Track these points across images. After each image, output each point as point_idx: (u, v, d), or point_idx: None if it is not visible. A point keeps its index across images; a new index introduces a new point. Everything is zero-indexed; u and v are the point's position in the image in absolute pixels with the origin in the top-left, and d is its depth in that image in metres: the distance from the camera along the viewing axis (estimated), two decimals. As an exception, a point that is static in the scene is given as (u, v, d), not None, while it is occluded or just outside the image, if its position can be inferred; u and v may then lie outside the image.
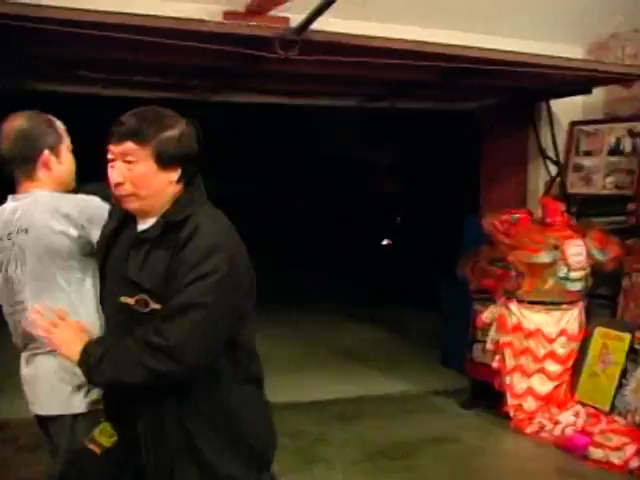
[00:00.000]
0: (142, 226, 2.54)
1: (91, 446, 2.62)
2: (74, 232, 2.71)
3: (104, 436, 2.61)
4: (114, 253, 2.60)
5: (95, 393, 2.75)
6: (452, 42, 5.36)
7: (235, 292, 2.44)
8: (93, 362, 2.39)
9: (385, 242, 14.30)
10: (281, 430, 5.73)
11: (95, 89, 6.75)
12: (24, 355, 2.88)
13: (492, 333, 6.18)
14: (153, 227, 2.49)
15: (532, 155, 7.42)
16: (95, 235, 2.71)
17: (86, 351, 2.42)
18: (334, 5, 4.30)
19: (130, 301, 2.42)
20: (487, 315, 6.28)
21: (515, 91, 7.08)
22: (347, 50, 4.98)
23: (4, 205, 2.87)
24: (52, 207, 2.73)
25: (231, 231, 2.51)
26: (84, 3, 4.54)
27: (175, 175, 2.49)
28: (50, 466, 2.89)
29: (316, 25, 4.74)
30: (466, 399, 6.65)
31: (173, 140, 2.45)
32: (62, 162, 2.91)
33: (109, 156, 2.48)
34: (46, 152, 2.83)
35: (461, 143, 9.96)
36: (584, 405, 6.00)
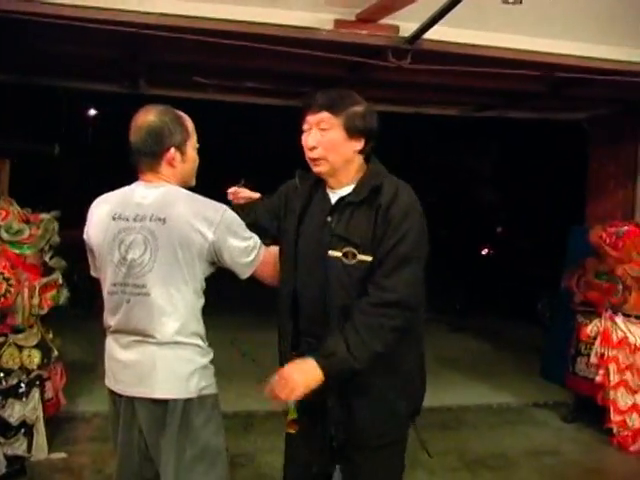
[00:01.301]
0: (339, 193, 2.90)
1: (289, 430, 3.03)
2: (210, 235, 2.80)
3: (291, 411, 2.96)
4: (308, 222, 2.96)
5: (205, 379, 2.88)
6: (562, 52, 5.32)
7: (426, 245, 2.84)
8: (343, 357, 2.65)
9: (485, 252, 14.12)
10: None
11: (208, 95, 6.95)
12: (125, 340, 2.90)
13: (596, 347, 6.07)
14: (355, 192, 2.85)
15: (642, 167, 7.27)
16: (226, 244, 2.84)
17: (321, 363, 2.66)
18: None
19: (338, 254, 2.78)
20: (592, 328, 6.17)
21: (625, 101, 6.96)
22: (458, 59, 5.01)
23: (131, 187, 2.96)
24: (194, 206, 2.84)
25: (413, 194, 2.86)
26: (200, 11, 4.69)
27: (359, 145, 2.86)
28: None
29: (427, 34, 4.79)
30: (567, 413, 6.54)
31: (360, 114, 2.83)
32: (186, 160, 2.96)
33: (305, 126, 2.87)
34: (172, 150, 2.89)
35: (566, 153, 9.81)
36: (691, 425, 5.84)
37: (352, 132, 2.83)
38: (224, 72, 6.15)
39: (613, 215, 7.20)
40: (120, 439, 2.95)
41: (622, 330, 5.96)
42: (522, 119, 8.03)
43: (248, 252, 2.91)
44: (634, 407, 5.91)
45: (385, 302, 2.67)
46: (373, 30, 5.09)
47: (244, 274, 2.95)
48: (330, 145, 2.83)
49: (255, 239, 2.96)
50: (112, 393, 2.96)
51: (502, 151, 14.20)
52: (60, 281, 5.25)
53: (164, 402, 2.81)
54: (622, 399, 5.93)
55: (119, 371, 2.92)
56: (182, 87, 6.89)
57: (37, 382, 4.99)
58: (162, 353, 2.83)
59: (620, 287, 6.01)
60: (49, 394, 5.19)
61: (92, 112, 22.25)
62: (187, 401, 2.82)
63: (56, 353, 5.26)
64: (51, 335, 5.30)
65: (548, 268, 7.86)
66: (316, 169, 2.90)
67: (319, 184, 3.00)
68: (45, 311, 5.12)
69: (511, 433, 6.12)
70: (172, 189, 2.89)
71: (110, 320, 2.92)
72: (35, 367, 4.96)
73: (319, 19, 5.17)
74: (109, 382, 2.97)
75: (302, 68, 5.64)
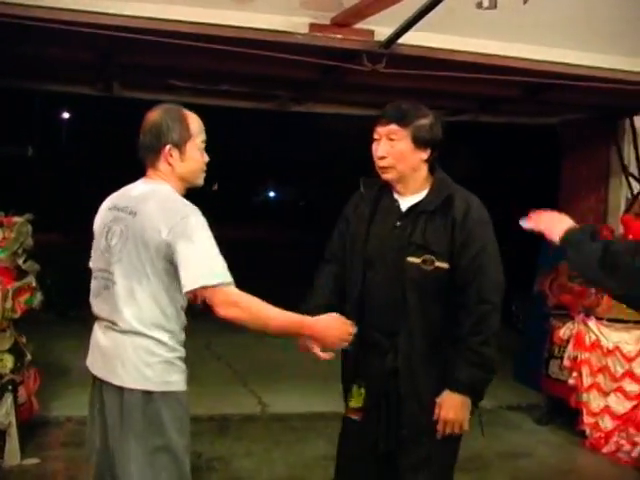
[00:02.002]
0: (409, 200, 3.19)
1: (351, 416, 3.32)
2: (164, 235, 2.74)
3: (355, 399, 3.27)
4: (378, 225, 3.23)
5: (171, 375, 2.84)
6: (536, 57, 5.37)
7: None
8: (483, 379, 3.15)
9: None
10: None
11: (182, 97, 6.92)
12: (100, 324, 2.96)
13: (569, 350, 6.13)
14: (428, 201, 3.14)
15: (614, 172, 7.35)
16: (179, 248, 2.73)
17: (467, 394, 3.11)
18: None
19: (417, 260, 3.06)
20: (565, 332, 6.23)
21: (597, 107, 7.03)
22: (432, 64, 5.04)
23: (135, 182, 3.01)
24: (163, 204, 2.83)
25: (482, 204, 3.20)
26: (174, 13, 4.68)
27: (425, 155, 3.14)
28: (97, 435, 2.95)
29: (402, 39, 4.81)
30: (541, 415, 6.60)
31: (426, 126, 3.11)
32: (185, 159, 2.94)
33: (375, 136, 3.15)
34: (167, 147, 2.90)
35: (540, 158, 9.89)
36: (663, 427, 5.90)
37: (419, 143, 3.10)
38: (199, 75, 6.14)
39: (585, 219, 7.24)
40: (88, 420, 3.00)
41: (595, 333, 6.01)
42: (495, 123, 8.08)
43: (195, 264, 2.74)
44: (606, 409, 5.96)
45: (487, 314, 3.04)
46: (348, 34, 5.10)
47: (183, 287, 2.75)
48: (399, 155, 3.10)
49: (214, 261, 2.76)
50: (93, 377, 2.99)
51: (474, 155, 14.28)
52: (34, 285, 5.22)
53: (123, 390, 2.82)
54: (594, 401, 5.99)
55: (97, 355, 2.97)
56: (156, 90, 6.84)
57: (10, 387, 4.94)
58: (122, 340, 2.85)
59: (593, 290, 6.06)
60: (22, 399, 5.13)
61: (65, 114, 22.12)
62: (147, 393, 2.80)
63: (29, 357, 5.22)
64: (24, 339, 5.25)
65: (522, 272, 7.90)
66: (385, 176, 3.18)
67: (385, 190, 3.27)
68: (18, 315, 5.08)
69: (485, 435, 6.14)
70: (158, 187, 2.91)
71: (93, 305, 2.99)
72: (8, 371, 4.93)
73: (294, 23, 5.18)
74: (90, 365, 3.01)
75: (277, 71, 5.63)
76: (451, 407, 3.06)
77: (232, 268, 2.76)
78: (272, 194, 49.03)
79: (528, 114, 7.73)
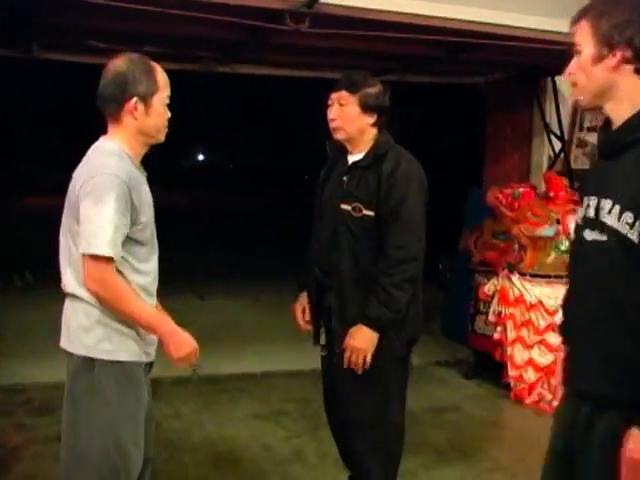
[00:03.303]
0: (354, 158, 3.62)
1: (321, 353, 3.84)
2: (76, 192, 2.72)
3: (321, 336, 3.80)
4: (330, 182, 3.76)
5: (112, 343, 2.80)
6: (458, 16, 5.41)
7: (423, 208, 3.54)
8: (388, 317, 3.46)
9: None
10: (286, 397, 5.88)
11: (103, 59, 6.78)
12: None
13: (494, 305, 6.27)
14: (364, 158, 3.57)
15: (536, 130, 7.49)
16: (82, 205, 2.67)
17: (373, 328, 3.46)
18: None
19: (348, 207, 3.52)
20: (489, 288, 6.36)
21: (520, 67, 7.14)
22: (356, 23, 5.04)
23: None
24: (87, 163, 2.78)
25: (415, 163, 3.58)
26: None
27: (372, 120, 3.57)
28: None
29: (325, -2, 4.81)
30: (467, 370, 6.75)
31: (373, 94, 3.56)
32: (150, 114, 2.81)
33: (329, 102, 3.61)
34: (134, 99, 2.76)
35: (464, 118, 9.99)
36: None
37: (366, 108, 3.53)
38: (120, 36, 6.02)
39: (509, 177, 7.39)
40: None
41: (518, 288, 6.15)
42: (420, 83, 8.12)
43: (88, 228, 2.67)
44: (530, 362, 6.13)
45: (402, 260, 3.41)
46: (272, -7, 5.07)
47: (78, 245, 2.72)
48: (347, 118, 3.55)
49: (103, 231, 2.64)
50: None
51: (400, 115, 14.31)
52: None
53: (72, 356, 2.83)
54: (518, 355, 6.15)
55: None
56: (77, 52, 6.70)
57: None
58: (66, 304, 2.89)
59: (516, 246, 6.20)
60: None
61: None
62: (85, 359, 2.78)
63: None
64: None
65: (448, 230, 8.02)
66: (336, 136, 3.63)
67: (343, 151, 3.70)
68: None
69: (414, 391, 6.20)
70: (101, 146, 2.83)
71: None
72: None
73: (218, -18, 5.12)
74: None
75: (200, 32, 5.56)
76: (358, 337, 3.45)
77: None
78: (201, 158, 48.59)
79: (453, 74, 7.80)
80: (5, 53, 6.76)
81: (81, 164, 2.81)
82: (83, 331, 2.79)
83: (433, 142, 12.60)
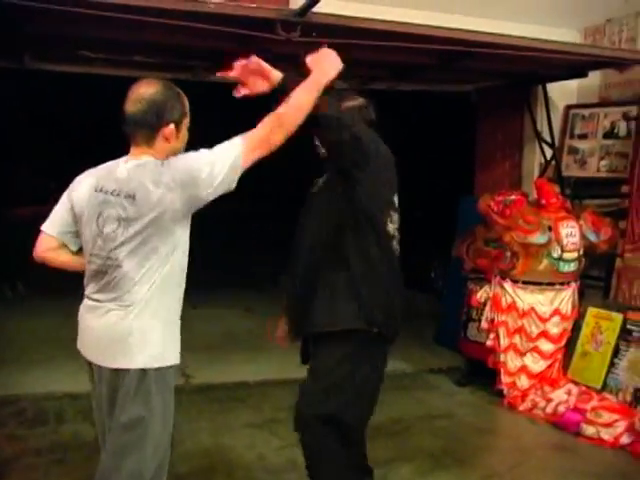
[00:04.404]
0: None
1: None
2: (170, 196, 2.81)
3: None
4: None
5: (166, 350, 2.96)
6: (450, 25, 5.42)
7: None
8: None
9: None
10: (280, 406, 5.85)
11: (94, 69, 6.79)
12: (97, 305, 2.99)
13: (487, 312, 6.28)
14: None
15: (527, 138, 7.52)
16: (200, 185, 2.82)
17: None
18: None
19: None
20: (481, 294, 6.39)
21: (511, 74, 7.15)
22: (347, 32, 5.04)
23: (118, 160, 2.99)
24: (156, 174, 2.85)
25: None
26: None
27: None
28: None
29: (317, 7, 4.80)
30: (460, 377, 6.76)
31: (355, 108, 3.53)
32: (180, 137, 2.99)
33: None
34: (171, 126, 2.92)
35: (455, 125, 10.01)
36: (576, 383, 6.12)
37: None
38: (111, 46, 6.02)
39: (500, 185, 7.41)
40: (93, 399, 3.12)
41: (510, 295, 6.18)
42: (411, 91, 8.14)
43: (219, 166, 2.84)
44: (523, 369, 6.16)
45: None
46: (262, 3, 5.08)
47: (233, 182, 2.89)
48: None
49: (220, 150, 2.88)
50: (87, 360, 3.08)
51: (391, 123, 14.30)
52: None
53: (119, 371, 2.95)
54: (511, 361, 6.17)
55: (89, 338, 3.05)
56: (68, 62, 6.70)
57: None
58: (122, 321, 2.93)
59: (508, 254, 6.22)
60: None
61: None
62: (142, 370, 2.92)
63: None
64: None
65: (440, 237, 8.03)
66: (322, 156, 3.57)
67: None
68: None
69: (407, 399, 6.28)
70: (145, 162, 2.91)
71: (89, 288, 3.04)
72: None
73: (208, -9, 5.12)
74: (81, 349, 3.10)
75: (191, 41, 5.56)
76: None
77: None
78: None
79: (444, 82, 7.81)
80: (-2, 64, 6.76)
81: (135, 185, 2.86)
82: (143, 345, 2.92)
83: (424, 150, 12.61)
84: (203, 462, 4.88)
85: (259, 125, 2.92)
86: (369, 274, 3.44)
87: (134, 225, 2.84)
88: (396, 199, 3.64)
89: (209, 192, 2.84)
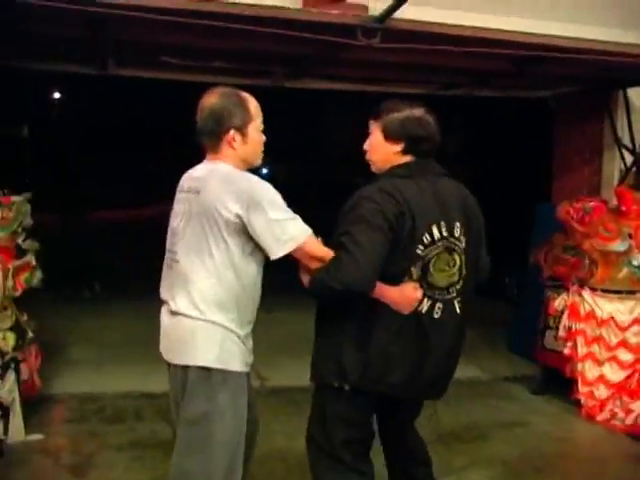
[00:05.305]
0: None
1: None
2: (234, 208, 2.87)
3: None
4: None
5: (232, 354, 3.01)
6: (527, 30, 5.40)
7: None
8: None
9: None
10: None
11: (175, 75, 6.93)
12: (165, 307, 3.11)
13: (564, 320, 6.19)
14: None
15: (607, 144, 7.40)
16: (254, 220, 2.88)
17: None
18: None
19: None
20: (559, 302, 6.29)
21: (590, 79, 7.05)
22: (426, 38, 5.06)
23: (198, 166, 3.14)
24: (228, 180, 2.94)
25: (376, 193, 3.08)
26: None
27: (398, 147, 3.23)
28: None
29: (396, 13, 4.83)
30: (536, 385, 6.67)
31: (397, 120, 3.22)
32: (247, 142, 3.08)
33: None
34: (232, 132, 3.02)
35: (532, 131, 9.91)
36: (657, 395, 5.98)
37: (388, 135, 3.23)
38: (192, 52, 6.13)
39: (579, 191, 7.31)
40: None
41: (589, 304, 6.08)
42: (488, 97, 8.10)
43: (277, 230, 2.91)
44: (601, 378, 6.04)
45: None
46: (342, 9, 5.13)
47: (272, 254, 2.94)
48: (372, 147, 3.32)
49: (293, 222, 2.95)
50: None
51: (468, 129, 14.29)
52: (33, 263, 5.26)
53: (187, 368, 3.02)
54: (589, 371, 6.06)
55: (163, 338, 3.15)
56: (150, 67, 6.85)
57: (12, 364, 5.00)
58: (183, 320, 3.01)
59: (587, 261, 6.12)
60: (24, 376, 5.23)
61: (59, 94, 21.94)
62: (205, 370, 2.99)
63: (31, 335, 5.29)
64: (25, 317, 5.32)
65: (515, 244, 7.96)
66: (372, 168, 3.37)
67: None
68: (19, 293, 5.14)
69: (482, 406, 6.23)
70: (219, 166, 3.02)
71: (161, 288, 3.16)
72: (10, 349, 4.98)
73: (287, -2, 5.20)
74: (162, 351, 3.17)
75: (271, 47, 5.63)
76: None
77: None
78: (264, 171, 49.01)
79: (521, 88, 7.76)
80: (82, 70, 6.95)
81: (203, 183, 2.97)
82: (206, 343, 2.97)
83: (501, 157, 12.51)
84: (278, 465, 4.94)
85: (328, 251, 2.99)
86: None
87: (192, 220, 2.99)
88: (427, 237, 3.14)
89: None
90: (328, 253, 2.98)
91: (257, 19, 4.79)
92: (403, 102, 3.31)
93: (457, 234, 3.19)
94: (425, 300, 3.12)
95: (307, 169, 34.35)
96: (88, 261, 12.23)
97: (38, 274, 5.32)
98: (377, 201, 3.02)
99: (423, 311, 3.12)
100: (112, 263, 12.70)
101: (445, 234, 3.14)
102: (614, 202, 6.49)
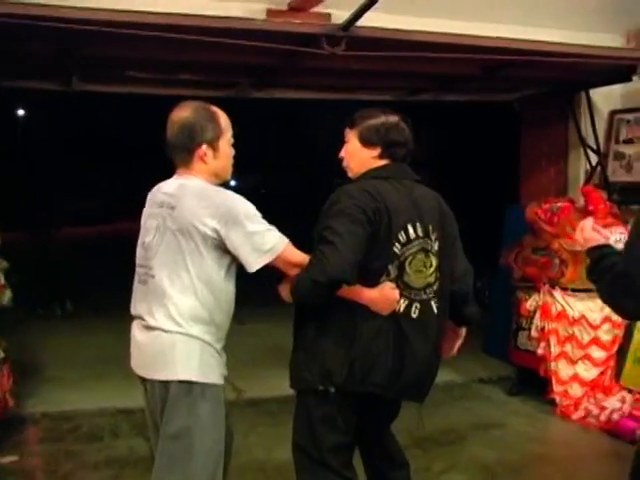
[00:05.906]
0: None
1: None
2: (211, 223, 2.87)
3: None
4: None
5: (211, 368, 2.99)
6: (492, 34, 5.44)
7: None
8: None
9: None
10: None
11: (141, 89, 6.90)
12: (138, 322, 3.07)
13: (537, 321, 6.24)
14: None
15: (572, 144, 7.47)
16: (233, 234, 2.88)
17: None
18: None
19: None
20: (531, 303, 6.35)
21: (554, 82, 7.13)
22: (391, 45, 5.08)
23: (168, 180, 3.11)
24: (203, 195, 2.93)
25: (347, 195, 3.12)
26: (130, 4, 4.68)
27: (375, 152, 3.30)
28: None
29: (360, 21, 4.85)
30: (511, 386, 6.72)
31: (373, 126, 3.30)
32: (218, 156, 3.06)
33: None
34: (203, 146, 3.01)
35: (498, 134, 9.99)
36: (630, 391, 6.04)
37: (365, 141, 3.31)
38: (157, 65, 6.11)
39: (546, 192, 7.37)
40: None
41: (560, 303, 6.15)
42: (458, 101, 8.15)
43: (257, 242, 2.91)
44: (575, 377, 6.11)
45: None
46: (306, 18, 5.14)
47: (250, 266, 2.93)
48: (349, 153, 3.38)
49: (271, 232, 2.95)
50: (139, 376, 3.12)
51: (435, 134, 14.38)
52: (2, 282, 5.21)
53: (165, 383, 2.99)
54: (563, 370, 6.13)
55: (136, 354, 3.11)
56: (115, 82, 6.82)
57: (-17, 384, 4.95)
58: (161, 335, 2.97)
59: (557, 261, 6.18)
60: (-4, 396, 5.16)
61: (25, 110, 21.76)
62: (187, 384, 2.95)
63: (2, 355, 5.23)
64: (-5, 337, 5.27)
65: (485, 248, 8.01)
66: (348, 175, 3.41)
67: None
68: (-12, 313, 5.10)
69: (458, 409, 6.26)
70: (191, 181, 3.00)
71: (132, 303, 3.13)
72: (-19, 369, 4.93)
73: (252, 9, 5.21)
74: (134, 366, 3.12)
75: (236, 58, 5.63)
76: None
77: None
78: (233, 183, 48.90)
79: (486, 91, 7.81)
80: (46, 86, 6.91)
81: (177, 199, 2.95)
82: (184, 358, 2.94)
83: (468, 160, 12.60)
84: (258, 476, 4.93)
85: (306, 256, 3.00)
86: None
87: (167, 236, 2.96)
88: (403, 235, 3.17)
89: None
90: (306, 258, 2.99)
91: (223, 31, 4.79)
92: (377, 110, 3.39)
93: (432, 237, 3.22)
94: (402, 300, 3.13)
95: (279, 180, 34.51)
96: (59, 278, 12.14)
97: (8, 293, 5.27)
98: (356, 197, 3.08)
99: (400, 311, 3.13)
100: (83, 280, 12.67)
101: (421, 234, 3.18)
102: (581, 202, 6.56)
